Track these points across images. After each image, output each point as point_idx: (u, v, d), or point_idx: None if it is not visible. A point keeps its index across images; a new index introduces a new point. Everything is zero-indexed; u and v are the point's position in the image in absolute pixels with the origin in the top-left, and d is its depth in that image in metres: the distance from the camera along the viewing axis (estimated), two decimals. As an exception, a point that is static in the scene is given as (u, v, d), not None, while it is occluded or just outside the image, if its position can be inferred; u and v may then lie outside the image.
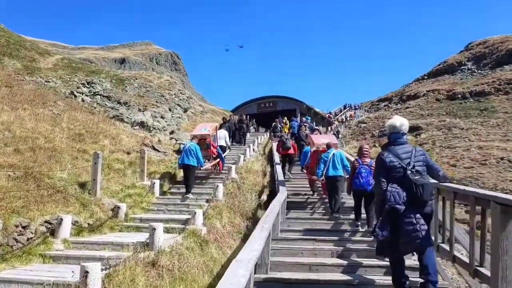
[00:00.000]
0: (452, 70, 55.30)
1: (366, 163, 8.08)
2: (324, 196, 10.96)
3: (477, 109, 39.21)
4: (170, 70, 75.13)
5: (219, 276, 5.98)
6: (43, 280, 4.84)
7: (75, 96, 18.64)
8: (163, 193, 11.60)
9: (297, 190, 12.22)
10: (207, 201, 10.34)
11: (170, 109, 22.13)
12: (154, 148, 14.89)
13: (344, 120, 48.04)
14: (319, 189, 11.64)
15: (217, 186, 10.45)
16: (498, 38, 56.58)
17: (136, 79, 23.96)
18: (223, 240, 7.89)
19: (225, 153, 15.21)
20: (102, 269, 4.77)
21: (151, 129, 18.60)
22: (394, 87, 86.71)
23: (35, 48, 25.41)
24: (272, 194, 11.36)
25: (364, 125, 42.76)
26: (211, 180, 12.94)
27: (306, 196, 11.56)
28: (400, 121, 4.59)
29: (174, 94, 24.56)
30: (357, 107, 55.81)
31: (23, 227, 6.34)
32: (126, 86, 22.18)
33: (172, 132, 19.29)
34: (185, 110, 24.69)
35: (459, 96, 44.04)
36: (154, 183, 11.02)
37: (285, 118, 27.24)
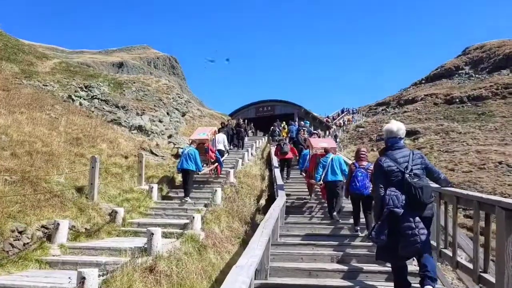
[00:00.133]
0: (450, 74, 55.56)
1: (363, 166, 8.05)
2: (323, 200, 10.91)
3: (475, 114, 39.33)
4: (168, 74, 75.13)
5: (217, 281, 5.91)
6: (39, 286, 4.79)
7: (73, 100, 18.56)
8: (161, 197, 11.54)
9: (296, 194, 12.16)
10: (206, 205, 10.28)
11: (168, 113, 22.06)
12: (152, 152, 14.82)
13: (342, 124, 48.05)
14: (319, 193, 11.59)
15: (216, 190, 10.39)
16: (495, 42, 56.91)
17: (134, 83, 23.88)
18: (221, 245, 7.82)
19: (224, 157, 15.16)
20: (99, 275, 4.71)
21: (149, 133, 18.51)
22: (392, 91, 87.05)
23: (33, 52, 25.35)
24: (271, 199, 11.31)
25: (362, 129, 42.82)
26: (210, 185, 12.89)
27: (305, 200, 11.51)
28: (397, 126, 4.58)
29: (172, 98, 24.51)
30: (354, 111, 55.89)
31: (19, 232, 6.26)
32: (124, 90, 22.11)
33: (170, 136, 19.22)
34: (183, 114, 24.64)
35: (457, 100, 44.19)
36: (152, 187, 10.96)
37: (284, 122, 27.24)
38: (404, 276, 4.47)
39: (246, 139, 23.14)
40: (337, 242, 7.20)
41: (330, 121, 48.67)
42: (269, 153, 18.80)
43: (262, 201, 12.15)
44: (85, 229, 7.68)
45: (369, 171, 7.85)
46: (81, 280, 4.28)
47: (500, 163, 24.13)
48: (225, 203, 10.34)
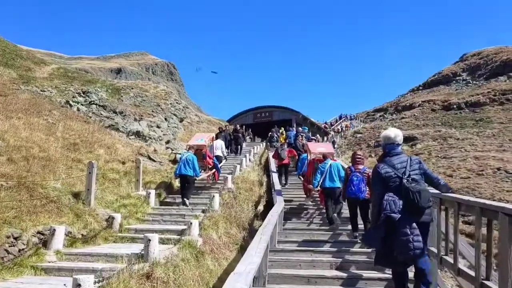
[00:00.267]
0: (447, 80, 55.82)
1: (358, 170, 8.04)
2: (321, 206, 10.85)
3: (473, 120, 39.42)
4: (166, 80, 75.25)
5: (215, 288, 5.85)
6: (33, 293, 4.70)
7: (71, 106, 18.52)
8: (158, 203, 11.47)
9: (294, 200, 12.10)
10: (203, 211, 10.21)
11: (166, 119, 22.03)
12: (149, 158, 14.77)
13: (340, 130, 48.06)
14: (317, 199, 11.53)
15: (213, 196, 10.32)
16: (492, 49, 57.22)
17: (132, 88, 23.87)
18: (219, 251, 7.76)
19: (222, 163, 15.11)
20: (95, 282, 4.63)
21: (147, 138, 18.46)
22: (390, 98, 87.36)
23: (31, 57, 25.36)
24: (269, 204, 11.25)
25: (360, 135, 42.83)
26: (207, 190, 12.84)
27: (303, 206, 11.46)
28: (394, 132, 4.62)
29: (170, 103, 24.51)
30: (352, 117, 55.96)
31: (15, 238, 6.18)
32: (122, 96, 22.09)
33: (168, 142, 19.18)
34: (181, 120, 24.61)
35: (455, 106, 44.33)
36: (150, 193, 10.89)
37: (282, 128, 27.22)
38: (404, 283, 4.43)
39: (244, 145, 23.11)
40: (335, 248, 7.14)
41: (328, 127, 48.66)
42: (267, 159, 18.75)
43: (260, 207, 12.10)
44: (82, 235, 7.60)
45: (364, 174, 7.88)
46: (77, 286, 4.20)
47: (498, 169, 24.13)
48: (223, 209, 10.28)
